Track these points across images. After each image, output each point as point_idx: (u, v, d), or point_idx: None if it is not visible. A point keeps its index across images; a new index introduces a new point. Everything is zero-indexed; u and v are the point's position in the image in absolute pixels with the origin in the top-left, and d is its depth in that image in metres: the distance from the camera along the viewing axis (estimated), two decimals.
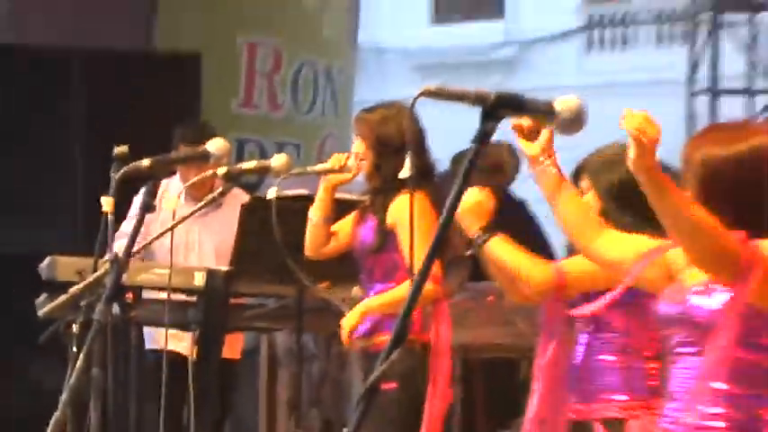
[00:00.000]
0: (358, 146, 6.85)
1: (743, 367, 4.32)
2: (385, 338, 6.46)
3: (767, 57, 14.37)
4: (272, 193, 6.90)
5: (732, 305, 4.26)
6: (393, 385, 6.32)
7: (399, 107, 6.92)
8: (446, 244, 3.53)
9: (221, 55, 12.71)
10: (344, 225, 6.96)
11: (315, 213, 6.90)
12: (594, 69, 26.90)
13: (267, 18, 13.48)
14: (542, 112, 3.38)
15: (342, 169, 6.83)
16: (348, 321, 6.74)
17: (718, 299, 4.34)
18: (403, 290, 6.53)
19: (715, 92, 15.26)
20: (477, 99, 3.27)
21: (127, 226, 6.95)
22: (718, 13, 14.64)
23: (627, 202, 5.41)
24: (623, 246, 4.70)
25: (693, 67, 14.90)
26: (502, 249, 5.45)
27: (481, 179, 10.99)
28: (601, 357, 5.63)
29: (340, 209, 6.99)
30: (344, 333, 6.76)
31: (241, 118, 13.13)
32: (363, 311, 6.71)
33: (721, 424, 4.36)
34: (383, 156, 6.76)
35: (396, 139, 6.74)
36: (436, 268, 6.51)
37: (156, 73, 10.81)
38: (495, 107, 3.27)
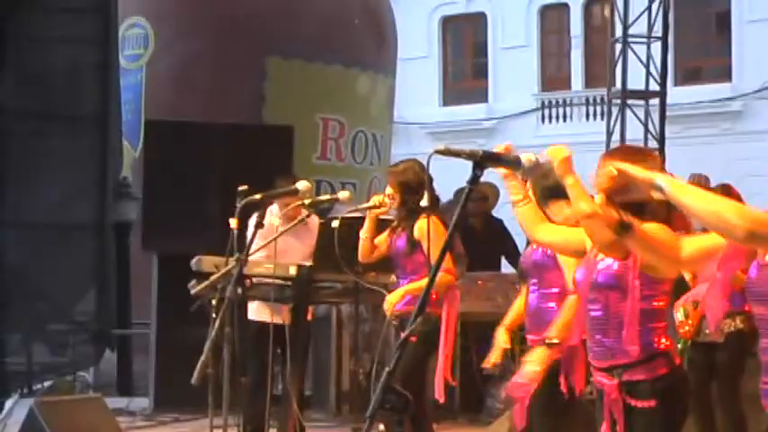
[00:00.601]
0: (388, 189, 6.89)
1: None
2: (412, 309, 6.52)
3: (657, 129, 14.22)
4: (335, 223, 6.96)
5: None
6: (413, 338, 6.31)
7: (413, 162, 6.96)
8: (452, 248, 3.49)
9: (306, 126, 12.72)
10: (382, 240, 7.00)
11: (364, 233, 6.95)
12: (545, 134, 26.76)
13: (336, 101, 13.48)
14: (513, 164, 3.38)
15: (380, 205, 6.89)
16: (391, 299, 6.76)
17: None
18: (424, 281, 6.57)
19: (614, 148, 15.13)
20: (470, 155, 3.28)
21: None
22: (625, 99, 14.51)
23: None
24: (554, 232, 4.74)
25: (609, 134, 14.71)
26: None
27: (473, 206, 11.04)
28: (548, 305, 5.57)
29: (380, 228, 7.02)
30: (388, 306, 6.78)
31: (318, 167, 13.12)
32: (403, 293, 6.73)
33: None
34: (405, 194, 6.80)
35: (413, 183, 6.77)
36: (449, 263, 6.55)
37: (265, 139, 10.83)
38: (483, 160, 3.29)
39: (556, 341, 5.40)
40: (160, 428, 9.78)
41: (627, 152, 4.59)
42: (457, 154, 3.30)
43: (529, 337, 5.75)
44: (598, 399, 4.42)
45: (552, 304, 5.54)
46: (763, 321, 3.41)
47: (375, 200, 6.88)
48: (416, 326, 3.23)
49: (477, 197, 10.60)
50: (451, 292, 6.64)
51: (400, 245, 6.77)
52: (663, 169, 4.42)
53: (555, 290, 5.62)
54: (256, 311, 7.80)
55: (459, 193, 9.56)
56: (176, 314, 8.93)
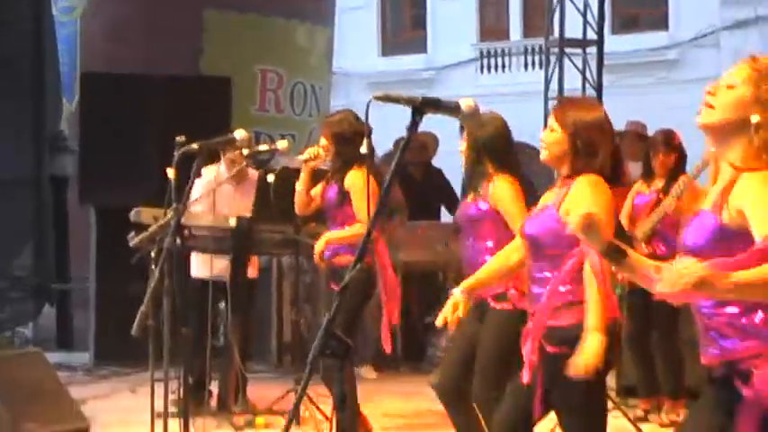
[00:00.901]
0: (323, 140, 6.85)
1: None
2: (344, 259, 6.54)
3: (594, 78, 14.23)
4: (270, 177, 6.92)
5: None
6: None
7: (348, 112, 6.92)
8: (388, 201, 3.42)
9: (244, 78, 12.62)
10: (317, 191, 6.97)
11: (299, 186, 6.92)
12: (484, 84, 26.81)
13: (274, 52, 13.36)
14: (452, 109, 3.35)
15: (315, 157, 6.85)
16: (317, 246, 6.77)
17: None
18: (353, 230, 6.57)
19: (561, 99, 15.12)
20: (409, 101, 3.26)
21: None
22: (563, 48, 14.50)
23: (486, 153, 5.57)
24: None
25: (547, 83, 14.71)
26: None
27: (413, 155, 11.03)
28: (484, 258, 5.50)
29: (316, 178, 7.00)
30: (316, 254, 6.79)
31: (257, 118, 13.03)
32: (327, 240, 6.71)
33: None
34: (339, 145, 6.75)
35: (347, 133, 6.73)
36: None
37: (203, 90, 10.74)
38: (422, 106, 3.26)
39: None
40: (101, 382, 9.74)
41: (575, 104, 4.64)
42: (396, 100, 3.27)
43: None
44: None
45: (487, 257, 5.54)
46: None
47: (310, 152, 6.84)
48: (352, 274, 3.22)
49: (417, 145, 10.59)
50: (378, 242, 6.60)
51: (331, 195, 6.75)
52: (608, 121, 4.51)
53: (489, 243, 5.63)
54: (198, 268, 7.78)
55: (398, 142, 9.56)
56: (116, 267, 8.88)
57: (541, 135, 4.53)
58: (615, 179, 4.49)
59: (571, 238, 3.88)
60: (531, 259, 4.51)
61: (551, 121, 4.52)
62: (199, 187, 7.23)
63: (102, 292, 10.24)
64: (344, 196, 6.64)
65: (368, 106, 3.21)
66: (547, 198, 4.52)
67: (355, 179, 6.55)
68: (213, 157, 7.59)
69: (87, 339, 10.64)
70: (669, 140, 7.93)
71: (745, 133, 3.24)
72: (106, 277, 10.04)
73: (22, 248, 10.68)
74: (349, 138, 6.65)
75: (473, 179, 5.73)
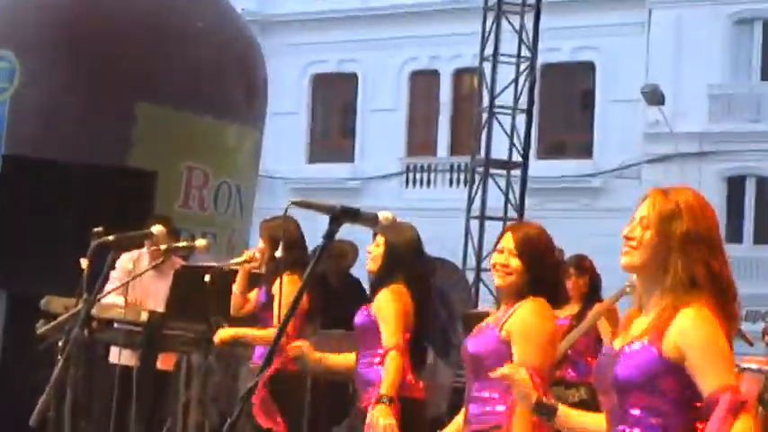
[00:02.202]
0: (260, 243, 6.88)
1: None
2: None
3: (517, 200, 14.42)
4: (207, 277, 6.89)
5: None
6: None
7: (284, 219, 6.92)
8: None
9: (171, 173, 12.57)
10: (252, 295, 6.98)
11: (236, 288, 6.94)
12: (409, 198, 27.03)
13: (202, 150, 13.34)
14: (370, 220, 3.35)
15: (251, 260, 6.86)
16: (223, 333, 6.75)
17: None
18: (261, 332, 6.56)
19: (483, 218, 15.25)
20: (327, 209, 3.25)
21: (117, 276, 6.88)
22: (488, 168, 14.68)
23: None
24: None
25: (470, 201, 14.86)
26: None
27: (332, 263, 11.00)
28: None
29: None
30: (217, 339, 6.77)
31: (180, 214, 12.95)
32: (233, 334, 6.71)
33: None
34: (274, 249, 6.77)
35: (283, 238, 6.75)
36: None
37: (127, 183, 10.69)
38: (340, 215, 3.26)
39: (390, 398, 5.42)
40: None
41: (530, 229, 4.67)
42: (314, 207, 3.28)
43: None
44: None
45: (376, 368, 5.58)
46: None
47: (247, 254, 6.89)
48: (257, 380, 3.20)
49: (336, 254, 10.57)
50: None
51: (261, 298, 6.76)
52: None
53: (379, 351, 5.65)
54: (115, 355, 7.69)
55: (315, 250, 9.57)
56: (23, 355, 8.71)
57: (497, 259, 4.52)
58: (557, 300, 4.54)
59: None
60: (471, 378, 4.49)
61: (508, 244, 4.52)
62: (119, 271, 7.18)
63: (6, 379, 10.02)
64: (271, 299, 6.63)
65: (286, 210, 3.21)
66: (489, 318, 4.53)
67: (283, 284, 6.56)
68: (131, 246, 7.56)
69: None
70: (581, 264, 8.01)
71: (667, 270, 3.24)
72: (12, 364, 9.83)
73: None
74: (285, 243, 6.67)
75: (378, 286, 5.78)
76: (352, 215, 3.28)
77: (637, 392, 3.17)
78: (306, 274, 3.29)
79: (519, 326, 4.34)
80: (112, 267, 5.60)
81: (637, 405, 3.17)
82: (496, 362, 4.30)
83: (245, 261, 6.85)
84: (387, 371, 5.55)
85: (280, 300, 5.86)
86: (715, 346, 3.12)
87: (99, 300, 5.59)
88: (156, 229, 5.81)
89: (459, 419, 4.55)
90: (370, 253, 5.88)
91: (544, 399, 3.36)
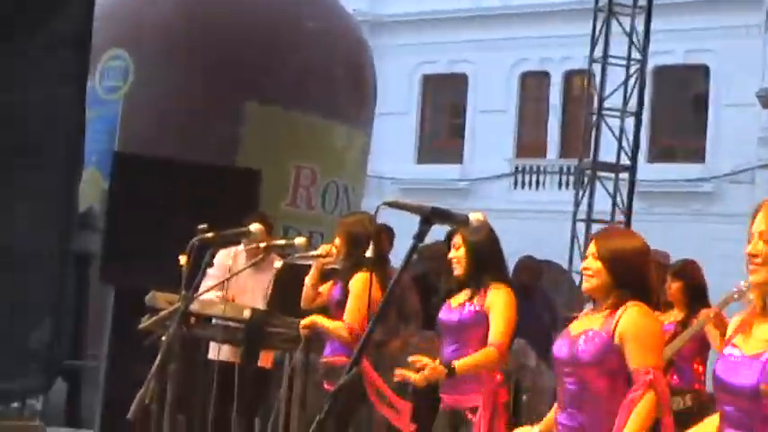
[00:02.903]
0: (336, 240, 6.88)
1: None
2: (340, 359, 6.52)
3: (624, 203, 14.28)
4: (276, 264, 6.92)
5: None
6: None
7: (365, 215, 6.96)
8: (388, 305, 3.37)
9: (279, 172, 12.70)
10: (325, 288, 6.99)
11: (308, 281, 6.95)
12: (517, 200, 26.92)
13: (310, 150, 13.46)
14: (460, 222, 3.34)
15: (326, 254, 6.88)
16: (304, 322, 6.78)
17: None
18: (333, 325, 6.57)
19: (590, 221, 15.11)
20: (418, 210, 3.25)
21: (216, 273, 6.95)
22: (596, 171, 14.56)
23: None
24: None
25: (577, 204, 14.74)
26: None
27: (436, 264, 10.97)
28: None
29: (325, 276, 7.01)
30: (301, 327, 6.79)
31: (287, 213, 13.07)
32: (311, 321, 6.71)
33: None
34: (350, 245, 6.76)
35: (360, 235, 6.74)
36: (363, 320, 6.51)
37: (233, 181, 10.82)
38: (430, 216, 3.25)
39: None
40: None
41: (616, 234, 4.67)
42: (405, 207, 3.28)
43: (442, 395, 5.77)
44: None
45: None
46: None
47: (323, 248, 6.89)
48: (347, 378, 3.20)
49: (440, 255, 10.54)
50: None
51: (335, 295, 6.77)
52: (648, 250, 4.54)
53: (472, 351, 5.66)
54: (214, 351, 7.77)
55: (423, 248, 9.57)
56: (129, 349, 8.84)
57: (583, 264, 4.58)
58: (651, 303, 4.52)
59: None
60: (564, 383, 4.45)
61: (591, 249, 4.55)
62: (216, 268, 7.26)
63: (112, 372, 10.21)
64: (346, 296, 6.64)
65: (376, 211, 3.22)
66: (592, 322, 4.48)
67: (358, 282, 6.54)
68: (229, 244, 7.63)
69: (94, 418, 10.59)
70: (683, 269, 7.91)
71: None
72: (118, 358, 10.01)
73: (40, 321, 10.66)
74: (362, 240, 6.65)
75: (467, 285, 5.76)
76: (443, 216, 3.28)
77: None
78: (396, 274, 3.27)
79: (630, 332, 4.31)
80: (210, 264, 5.66)
81: None
82: (600, 369, 4.30)
83: (321, 255, 6.86)
84: (477, 356, 5.56)
85: (369, 297, 5.85)
86: None
87: (197, 296, 5.65)
88: (255, 226, 5.87)
89: (550, 417, 4.56)
90: (453, 259, 5.85)
91: None
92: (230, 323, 7.16)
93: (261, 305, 7.66)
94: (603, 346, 4.31)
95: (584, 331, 4.41)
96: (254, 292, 7.88)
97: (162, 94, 12.94)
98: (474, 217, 3.36)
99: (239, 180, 10.91)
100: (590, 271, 4.47)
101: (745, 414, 3.24)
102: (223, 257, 7.80)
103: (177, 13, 13.13)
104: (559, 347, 4.46)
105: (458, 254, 5.80)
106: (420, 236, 3.20)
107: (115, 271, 10.26)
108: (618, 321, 4.35)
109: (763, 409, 3.18)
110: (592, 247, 4.53)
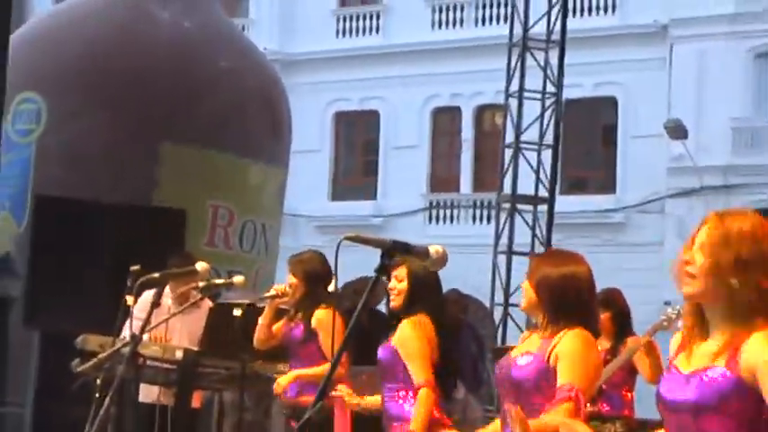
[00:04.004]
0: (291, 278, 6.90)
1: None
2: (309, 398, 6.51)
3: (543, 234, 14.46)
4: (237, 311, 6.91)
5: None
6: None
7: (316, 252, 6.99)
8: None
9: (196, 212, 12.63)
10: (277, 328, 6.98)
11: (263, 320, 6.95)
12: (432, 234, 27.02)
13: (227, 189, 13.41)
14: (420, 254, 3.38)
15: (282, 294, 6.89)
16: (282, 381, 6.76)
17: None
18: (319, 369, 6.58)
19: (510, 253, 15.25)
20: (380, 243, 3.29)
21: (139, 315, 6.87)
22: (515, 204, 14.72)
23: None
24: None
25: (497, 238, 14.88)
26: None
27: (358, 299, 10.99)
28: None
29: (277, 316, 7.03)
30: (277, 387, 6.77)
31: (206, 253, 13.00)
32: (294, 377, 6.72)
33: None
34: (309, 283, 6.80)
35: (318, 272, 6.78)
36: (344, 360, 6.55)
37: (157, 221, 10.78)
38: (391, 249, 3.29)
39: None
40: None
41: (556, 256, 4.76)
42: (367, 241, 3.32)
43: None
44: None
45: (400, 402, 5.63)
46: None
47: (276, 289, 6.90)
48: (311, 413, 3.21)
49: (364, 289, 10.60)
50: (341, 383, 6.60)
51: (297, 333, 6.78)
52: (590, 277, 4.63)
53: (403, 385, 5.71)
54: (147, 392, 7.70)
55: (350, 284, 9.59)
56: (56, 393, 8.76)
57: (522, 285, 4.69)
58: (595, 333, 4.61)
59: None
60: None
61: (528, 274, 4.66)
62: (140, 310, 7.22)
63: (38, 417, 10.09)
64: (311, 335, 6.67)
65: (338, 245, 3.24)
66: (530, 344, 4.56)
67: (324, 318, 6.58)
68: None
69: None
70: (610, 298, 8.04)
71: (726, 297, 3.27)
72: (44, 403, 9.89)
73: None
74: (319, 277, 6.70)
75: (401, 318, 5.82)
76: (404, 249, 3.32)
77: (710, 415, 3.23)
78: (359, 308, 3.30)
79: (566, 358, 4.37)
80: (158, 305, 5.64)
81: (711, 427, 3.23)
82: (538, 390, 4.37)
83: (276, 296, 6.87)
84: (418, 407, 5.59)
85: (333, 334, 5.89)
86: None
87: (141, 337, 5.63)
88: (201, 265, 5.88)
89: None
90: (393, 290, 5.87)
91: None
92: (163, 364, 7.13)
93: (187, 345, 7.64)
94: (540, 368, 4.42)
95: (523, 354, 4.52)
96: (181, 333, 7.85)
97: (76, 135, 12.82)
98: (433, 249, 3.41)
99: (163, 220, 10.87)
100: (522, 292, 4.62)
101: (687, 431, 3.30)
102: (147, 298, 7.74)
103: (89, 55, 13.02)
104: (500, 368, 4.57)
105: (399, 286, 5.83)
106: (382, 269, 3.24)
107: (39, 315, 10.16)
108: (554, 347, 4.46)
109: (703, 424, 3.24)
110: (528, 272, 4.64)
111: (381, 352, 5.82)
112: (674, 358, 3.43)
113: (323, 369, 6.57)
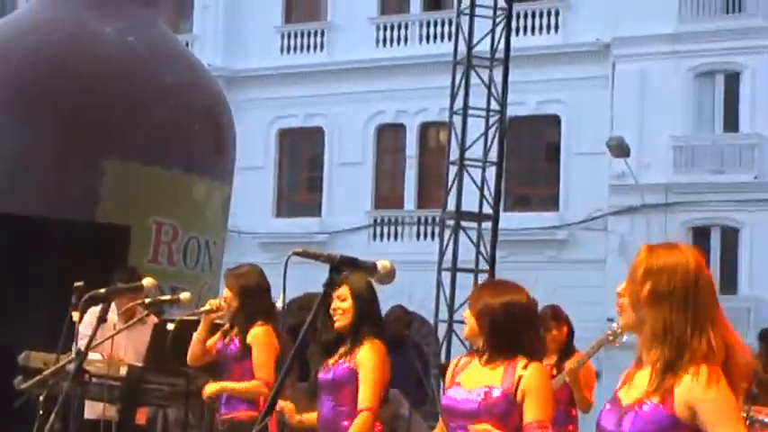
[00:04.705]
0: (226, 293, 6.84)
1: None
2: (243, 414, 6.47)
3: (488, 252, 14.51)
4: (170, 326, 6.87)
5: None
6: None
7: (253, 267, 6.94)
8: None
9: (140, 228, 12.56)
10: (211, 343, 6.93)
11: (197, 336, 6.88)
12: (377, 251, 27.05)
13: (171, 205, 13.33)
14: (368, 269, 3.39)
15: (217, 309, 6.84)
16: (210, 388, 6.72)
17: None
18: (250, 385, 6.55)
19: (455, 270, 15.29)
20: (328, 258, 3.29)
21: (83, 331, 6.82)
22: (459, 221, 14.76)
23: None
24: None
25: (442, 254, 14.92)
26: None
27: (303, 316, 11.00)
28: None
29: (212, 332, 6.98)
30: (204, 393, 6.75)
31: (149, 269, 12.91)
32: (220, 387, 6.68)
33: None
34: (244, 298, 6.75)
35: (253, 287, 6.73)
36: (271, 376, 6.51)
37: (101, 238, 10.70)
38: (340, 264, 3.29)
39: None
40: None
41: (497, 286, 4.83)
42: (315, 257, 3.32)
43: None
44: None
45: (346, 423, 5.65)
46: None
47: (211, 303, 6.83)
48: (257, 429, 3.21)
49: (310, 307, 10.59)
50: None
51: (232, 349, 6.72)
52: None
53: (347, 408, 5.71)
54: (92, 408, 7.64)
55: (294, 300, 9.58)
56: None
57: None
58: (540, 359, 4.72)
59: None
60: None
61: (469, 303, 4.79)
62: (85, 326, 7.17)
63: None
64: (246, 350, 6.61)
65: (287, 260, 3.24)
66: (482, 375, 4.63)
67: (259, 335, 6.54)
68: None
69: None
70: (558, 315, 8.11)
71: (645, 328, 3.34)
72: None
73: None
74: (255, 292, 6.64)
75: (346, 337, 5.80)
76: (351, 264, 3.33)
77: None
78: (306, 324, 3.30)
79: (534, 387, 4.57)
80: (104, 320, 5.60)
81: None
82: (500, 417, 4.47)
83: (210, 310, 6.82)
84: (355, 429, 5.59)
85: (271, 350, 5.87)
86: (726, 403, 3.23)
87: (87, 354, 5.59)
88: (148, 281, 5.85)
89: None
90: (336, 310, 5.83)
91: None
92: (107, 380, 7.08)
93: (133, 361, 7.59)
94: (508, 402, 4.58)
95: (481, 386, 4.59)
96: (126, 349, 7.80)
97: (16, 149, 12.71)
98: (381, 264, 3.42)
99: (107, 236, 10.80)
100: (466, 327, 4.75)
101: None
102: (92, 314, 7.70)
103: (30, 68, 12.90)
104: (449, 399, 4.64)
105: (343, 305, 5.81)
106: (331, 283, 3.25)
107: None
108: (518, 381, 4.59)
109: None
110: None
111: (336, 370, 5.76)
112: (620, 389, 3.46)
113: (251, 385, 6.53)
